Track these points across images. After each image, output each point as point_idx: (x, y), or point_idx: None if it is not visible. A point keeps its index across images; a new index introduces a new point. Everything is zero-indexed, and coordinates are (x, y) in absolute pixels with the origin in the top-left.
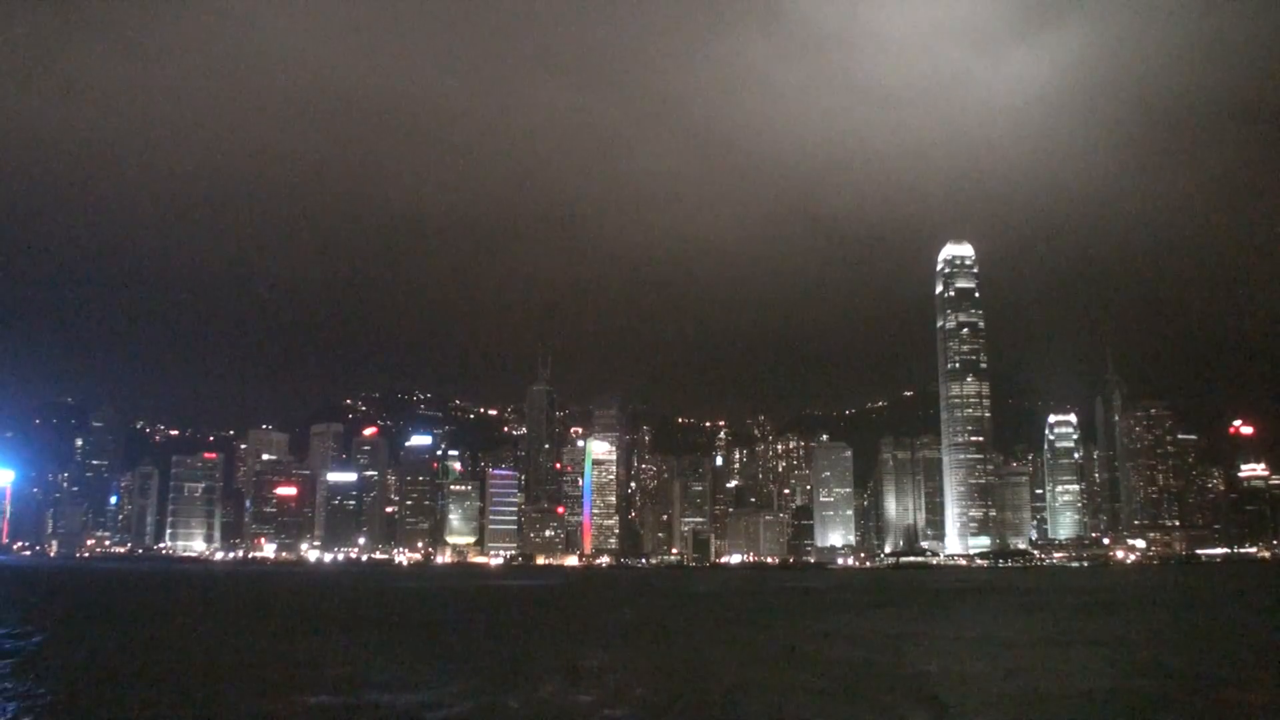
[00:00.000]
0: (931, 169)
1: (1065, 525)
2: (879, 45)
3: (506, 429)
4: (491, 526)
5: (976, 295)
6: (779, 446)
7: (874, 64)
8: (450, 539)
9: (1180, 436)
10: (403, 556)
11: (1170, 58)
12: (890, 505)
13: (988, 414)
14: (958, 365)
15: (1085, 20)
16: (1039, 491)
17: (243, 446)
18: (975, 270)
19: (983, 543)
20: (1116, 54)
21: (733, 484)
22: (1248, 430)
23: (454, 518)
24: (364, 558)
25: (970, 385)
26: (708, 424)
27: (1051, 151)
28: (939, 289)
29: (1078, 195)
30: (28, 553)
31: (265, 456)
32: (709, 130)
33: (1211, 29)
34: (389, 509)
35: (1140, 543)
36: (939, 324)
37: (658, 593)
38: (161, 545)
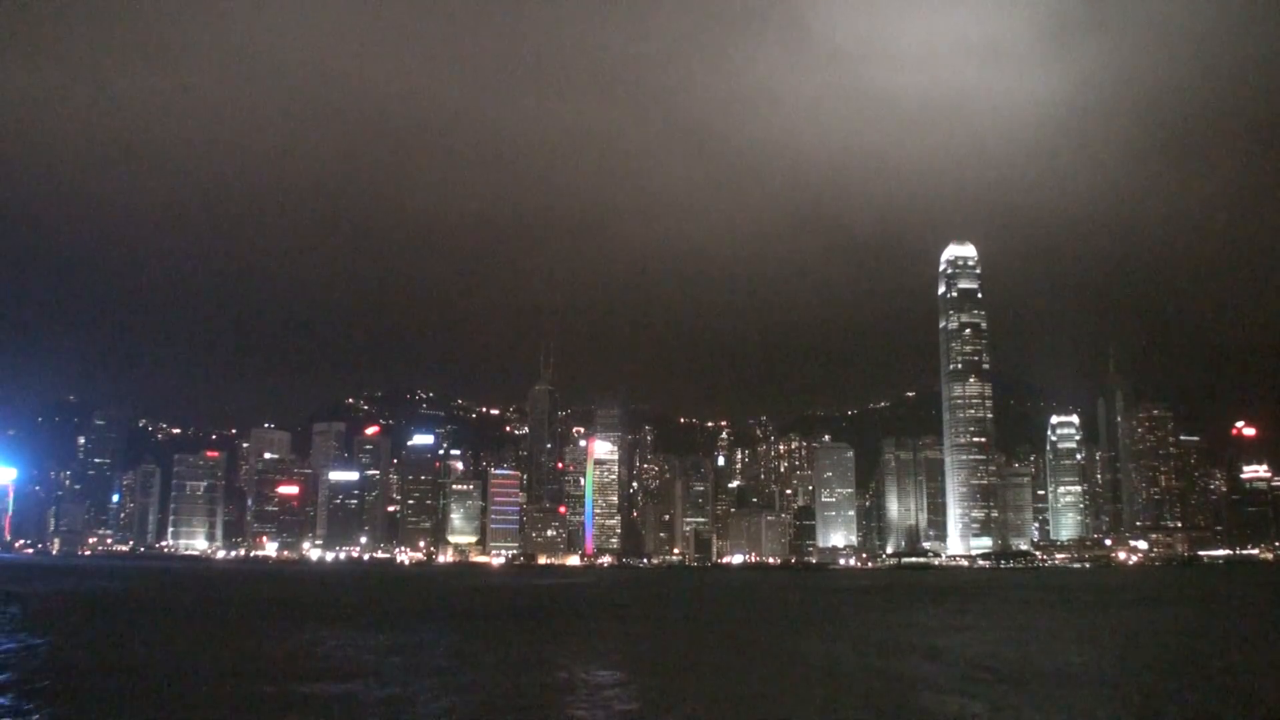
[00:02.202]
0: (936, 172)
1: (1067, 526)
2: (898, 60)
3: (508, 428)
4: (493, 526)
5: (979, 296)
6: (781, 447)
7: (892, 78)
8: (452, 538)
9: (1182, 438)
10: (404, 556)
11: (1180, 72)
12: (892, 506)
13: (990, 415)
14: (960, 366)
15: (1102, 39)
16: (1041, 493)
17: (245, 445)
18: (978, 271)
19: (985, 544)
20: (1128, 70)
21: (734, 484)
22: (1250, 432)
23: (456, 517)
24: (365, 557)
25: (972, 386)
26: (710, 424)
27: (1055, 155)
28: (941, 289)
29: (1080, 196)
30: (30, 551)
31: (267, 455)
32: (722, 138)
33: (1223, 46)
34: (391, 508)
35: (1142, 544)
36: (941, 324)
37: (704, 588)
38: (163, 544)
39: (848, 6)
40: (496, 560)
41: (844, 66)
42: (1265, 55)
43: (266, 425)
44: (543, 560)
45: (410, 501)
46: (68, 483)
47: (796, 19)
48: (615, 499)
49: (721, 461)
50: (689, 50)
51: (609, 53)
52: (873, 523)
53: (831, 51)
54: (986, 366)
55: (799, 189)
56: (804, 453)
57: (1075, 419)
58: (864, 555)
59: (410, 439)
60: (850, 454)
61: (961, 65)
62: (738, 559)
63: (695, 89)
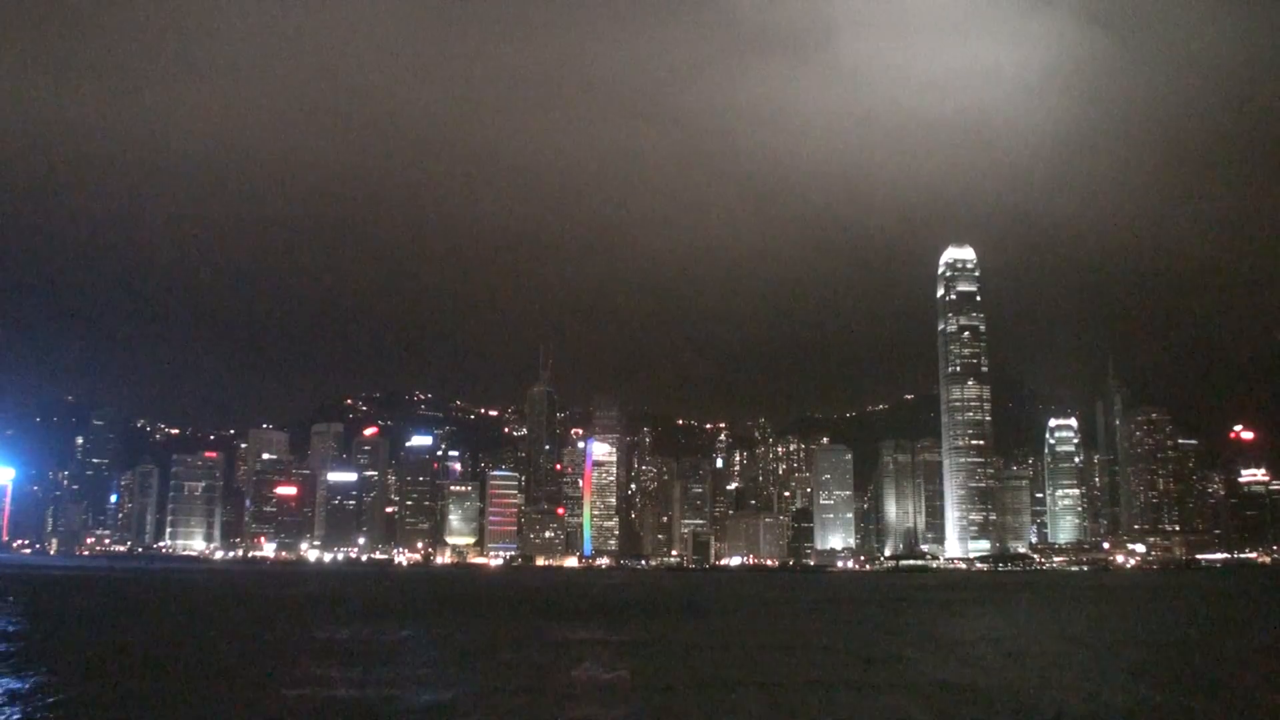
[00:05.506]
0: (938, 178)
1: (1065, 529)
2: (912, 83)
3: (507, 430)
4: (491, 527)
5: (978, 298)
6: (779, 449)
7: (904, 99)
8: (450, 539)
9: (1180, 441)
10: (402, 557)
11: (1181, 90)
12: (890, 508)
13: (988, 417)
14: (958, 368)
15: (1107, 62)
16: (1039, 495)
17: (243, 446)
18: (977, 273)
19: (983, 546)
20: (1132, 89)
21: (733, 486)
22: (1248, 435)
23: (454, 518)
24: (364, 558)
25: (971, 389)
26: (708, 426)
27: (1056, 161)
28: (940, 292)
29: (1080, 199)
30: (28, 551)
31: (265, 456)
32: (730, 150)
33: (1223, 67)
34: (389, 509)
35: (1140, 547)
36: (940, 327)
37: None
38: (161, 544)
39: (868, 33)
40: (494, 561)
41: (858, 87)
42: (1261, 76)
43: (265, 426)
44: (540, 562)
45: (408, 502)
46: (66, 483)
47: (820, 43)
48: (613, 500)
49: (720, 463)
50: (707, 69)
51: (630, 71)
52: (871, 525)
53: (844, 73)
54: (985, 369)
55: (800, 196)
56: (802, 455)
57: (1073, 422)
58: (862, 558)
59: (408, 440)
60: (849, 456)
61: (972, 88)
62: (735, 561)
63: (711, 105)
